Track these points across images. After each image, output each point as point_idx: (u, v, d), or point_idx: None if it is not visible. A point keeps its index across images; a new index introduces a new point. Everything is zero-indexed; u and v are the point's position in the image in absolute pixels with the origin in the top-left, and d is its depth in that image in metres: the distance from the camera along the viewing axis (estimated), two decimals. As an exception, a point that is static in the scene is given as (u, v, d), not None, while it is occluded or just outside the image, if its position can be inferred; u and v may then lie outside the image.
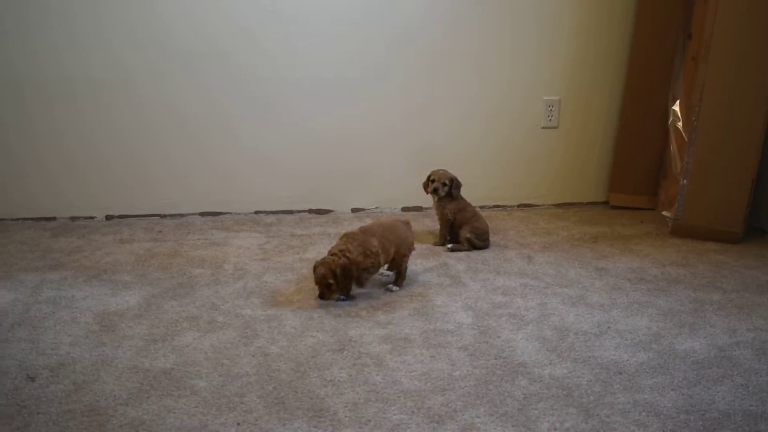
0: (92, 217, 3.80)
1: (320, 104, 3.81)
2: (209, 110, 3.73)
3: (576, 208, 4.16)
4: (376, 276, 2.90)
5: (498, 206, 4.13)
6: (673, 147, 3.81)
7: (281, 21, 3.65)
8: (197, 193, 3.85)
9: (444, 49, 3.84)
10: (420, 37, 3.80)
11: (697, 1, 3.65)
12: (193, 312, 2.65)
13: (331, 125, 3.85)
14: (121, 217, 3.82)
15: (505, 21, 3.84)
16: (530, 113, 4.02)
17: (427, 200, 3.61)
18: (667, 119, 3.87)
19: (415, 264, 3.15)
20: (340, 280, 2.63)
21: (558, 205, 4.20)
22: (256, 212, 3.92)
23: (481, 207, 3.74)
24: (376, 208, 4.04)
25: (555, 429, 1.94)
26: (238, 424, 1.94)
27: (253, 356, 2.32)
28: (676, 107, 3.79)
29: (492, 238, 3.46)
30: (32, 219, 3.74)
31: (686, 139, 3.61)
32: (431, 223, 3.70)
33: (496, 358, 2.33)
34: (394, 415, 1.99)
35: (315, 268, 2.67)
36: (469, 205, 3.44)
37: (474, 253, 3.34)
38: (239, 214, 3.91)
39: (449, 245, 3.40)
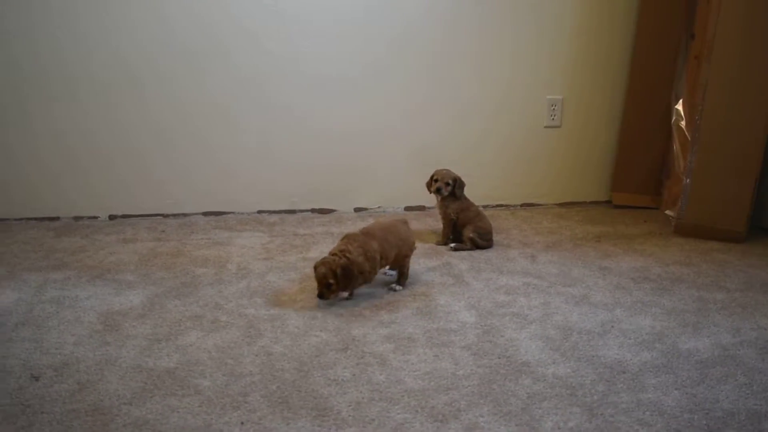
0: (95, 217, 3.81)
1: (323, 103, 3.81)
2: (212, 110, 3.73)
3: (579, 208, 4.15)
4: (379, 276, 2.90)
5: (501, 205, 4.13)
6: (676, 146, 3.81)
7: (284, 21, 3.65)
8: (200, 192, 3.85)
9: (446, 48, 3.84)
10: (422, 37, 3.80)
11: (699, 1, 3.65)
12: (196, 311, 2.65)
13: (334, 124, 3.85)
14: (124, 216, 3.82)
15: (507, 20, 3.84)
16: (533, 112, 4.02)
17: (430, 200, 3.61)
18: (670, 118, 3.87)
19: (418, 263, 3.15)
20: (341, 279, 2.63)
21: (561, 205, 4.19)
22: (259, 212, 3.93)
23: (484, 206, 3.74)
24: (379, 207, 4.04)
25: (559, 428, 1.94)
26: (242, 423, 1.95)
27: (257, 355, 2.32)
28: (679, 106, 3.79)
29: (495, 238, 3.46)
30: (36, 219, 3.75)
31: (689, 139, 3.61)
32: (434, 223, 3.70)
33: (499, 358, 2.33)
34: (398, 414, 1.99)
35: (316, 267, 2.67)
36: (472, 204, 3.44)
37: (477, 253, 3.34)
38: (242, 213, 3.91)
39: (452, 244, 3.40)
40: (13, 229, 3.61)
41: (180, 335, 2.46)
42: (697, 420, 1.99)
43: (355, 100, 3.84)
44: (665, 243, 3.52)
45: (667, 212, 3.85)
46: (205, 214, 3.88)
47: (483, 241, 3.38)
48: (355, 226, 3.60)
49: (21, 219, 3.73)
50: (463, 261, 3.23)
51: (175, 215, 3.86)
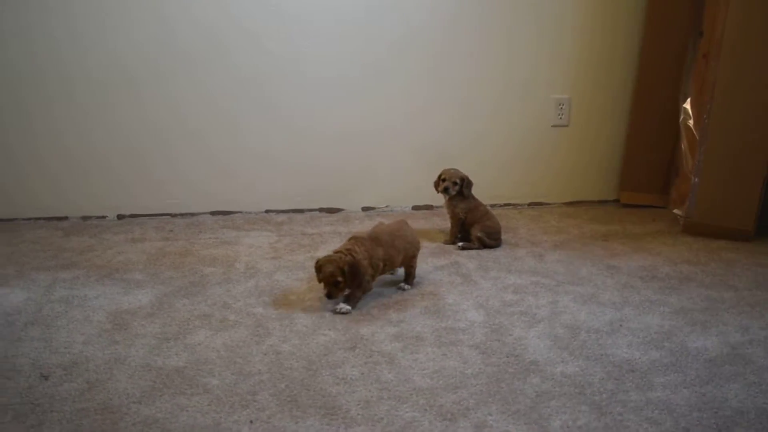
0: (104, 217, 3.82)
1: (330, 103, 3.82)
2: (218, 110, 3.74)
3: (587, 207, 4.15)
4: (387, 276, 2.90)
5: (508, 205, 4.13)
6: (684, 145, 3.80)
7: (286, 21, 3.67)
8: (208, 192, 3.86)
9: (451, 47, 3.84)
10: (427, 37, 3.80)
11: (707, -1, 3.65)
12: (205, 310, 2.66)
13: (342, 123, 3.85)
14: (132, 216, 3.84)
15: (514, 19, 3.84)
16: (540, 111, 4.02)
17: (438, 199, 3.61)
18: (678, 117, 3.86)
19: (426, 263, 3.15)
20: (348, 277, 2.61)
21: (568, 204, 4.19)
22: (267, 211, 3.93)
23: (492, 205, 3.73)
24: (387, 206, 4.04)
25: (567, 427, 1.94)
26: (251, 421, 1.95)
27: (265, 354, 2.32)
28: (687, 105, 3.78)
29: (503, 237, 3.46)
30: (44, 219, 3.76)
31: (697, 137, 3.60)
32: (441, 222, 3.70)
33: (507, 356, 2.32)
34: (407, 412, 1.99)
35: (321, 266, 2.64)
36: (480, 204, 3.44)
37: (485, 252, 3.34)
38: (250, 213, 3.92)
39: (460, 244, 3.40)
40: (21, 229, 3.63)
41: (188, 334, 2.46)
42: (706, 419, 1.98)
43: (363, 99, 3.84)
44: (673, 242, 3.51)
45: (675, 211, 3.84)
46: (213, 213, 3.89)
47: (491, 241, 3.38)
48: (363, 225, 3.62)
49: (29, 219, 3.75)
50: (471, 260, 3.22)
51: (182, 215, 3.87)
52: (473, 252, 3.33)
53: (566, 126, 4.05)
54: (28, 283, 2.91)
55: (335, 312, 2.64)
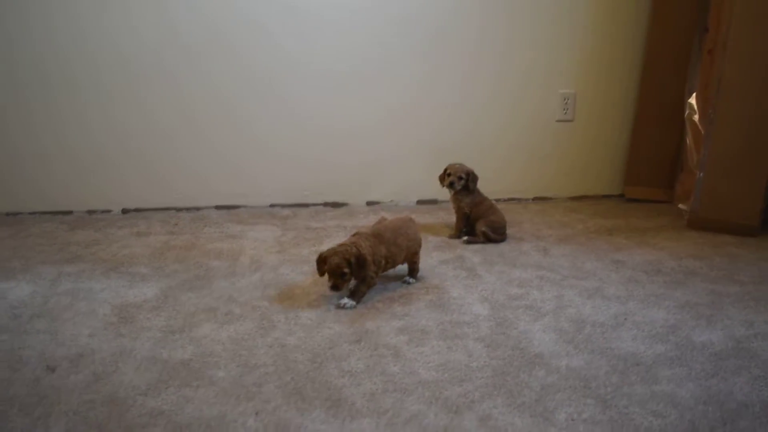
0: (109, 211, 3.83)
1: (334, 98, 3.82)
2: (223, 104, 3.75)
3: (591, 201, 4.15)
4: (390, 271, 2.90)
5: (513, 199, 4.13)
6: (689, 140, 3.79)
7: (294, 14, 3.66)
8: (213, 186, 3.87)
9: (458, 43, 3.84)
10: (435, 32, 3.80)
11: (713, -6, 3.64)
12: (210, 304, 2.66)
13: (345, 118, 3.86)
14: (137, 210, 3.85)
15: (520, 15, 3.84)
16: (546, 106, 4.02)
17: (443, 193, 3.61)
18: (683, 112, 3.85)
19: (430, 257, 3.15)
20: (355, 269, 2.60)
21: (573, 198, 4.19)
22: (272, 205, 3.94)
23: (497, 200, 3.73)
24: (391, 201, 4.04)
25: (573, 419, 1.94)
26: (257, 413, 1.95)
27: (271, 347, 2.33)
28: (692, 100, 3.77)
29: (507, 231, 3.46)
30: (49, 213, 3.77)
31: (702, 132, 3.60)
32: (446, 216, 3.71)
33: (513, 350, 2.32)
34: (412, 405, 1.99)
35: (325, 258, 2.62)
36: (485, 198, 3.44)
37: (490, 246, 3.34)
38: (255, 207, 3.93)
39: (465, 238, 3.40)
40: (27, 222, 3.64)
41: (194, 327, 2.47)
42: (712, 412, 1.98)
43: (367, 94, 3.85)
44: (678, 236, 3.51)
45: (680, 206, 3.84)
46: (218, 207, 3.90)
47: (496, 235, 3.38)
48: (368, 219, 3.62)
49: (35, 213, 3.76)
50: (475, 254, 3.23)
51: (187, 209, 3.88)
52: (478, 246, 3.33)
53: (571, 121, 4.05)
54: (34, 277, 2.92)
55: (339, 307, 2.64)
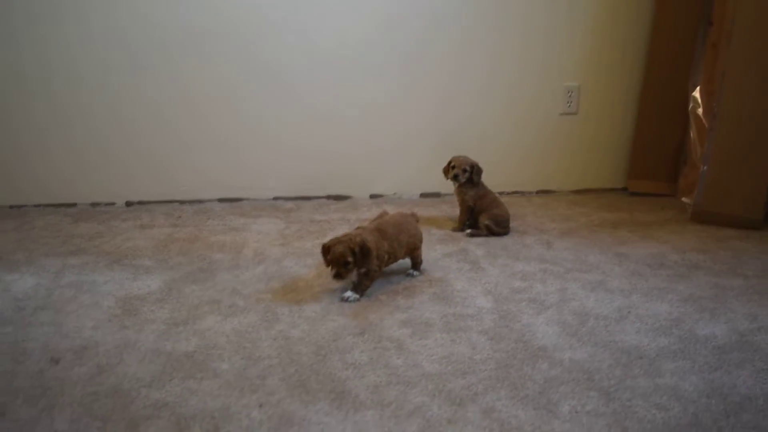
0: (112, 203, 3.83)
1: (339, 90, 3.81)
2: (227, 96, 3.74)
3: (595, 195, 4.15)
4: (393, 265, 2.90)
5: (516, 192, 4.13)
6: (693, 133, 3.79)
7: (299, 4, 3.65)
8: (216, 179, 3.86)
9: (464, 35, 3.83)
10: (441, 24, 3.79)
11: (717, -13, 3.63)
12: (214, 296, 2.67)
13: (349, 111, 3.85)
14: (140, 203, 3.85)
15: (524, 7, 3.82)
16: (549, 99, 4.01)
17: (447, 186, 3.61)
18: (687, 106, 3.84)
19: (434, 249, 3.16)
20: (359, 258, 2.58)
21: (577, 192, 4.19)
22: (275, 198, 3.94)
23: (500, 193, 3.72)
24: (395, 194, 4.04)
25: (576, 412, 1.94)
26: (261, 405, 1.96)
27: (275, 339, 2.33)
28: (696, 94, 3.76)
29: (511, 224, 3.45)
30: (53, 205, 3.78)
31: (706, 126, 3.59)
32: (450, 209, 3.71)
33: (516, 342, 2.33)
34: (416, 397, 2.00)
35: (330, 247, 2.60)
36: (489, 191, 3.44)
37: (493, 239, 3.34)
38: (258, 200, 3.93)
39: (468, 230, 3.40)
40: (30, 215, 3.64)
41: (198, 319, 2.47)
42: (715, 404, 1.99)
43: (372, 87, 3.84)
44: (682, 230, 3.51)
45: (684, 199, 3.84)
46: (221, 200, 3.90)
47: (499, 229, 3.37)
48: (371, 212, 3.62)
49: (38, 205, 3.77)
50: (479, 247, 3.23)
51: (191, 201, 3.88)
52: (481, 239, 3.33)
53: (575, 114, 4.05)
54: (38, 269, 2.93)
55: (343, 300, 2.64)
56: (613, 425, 1.89)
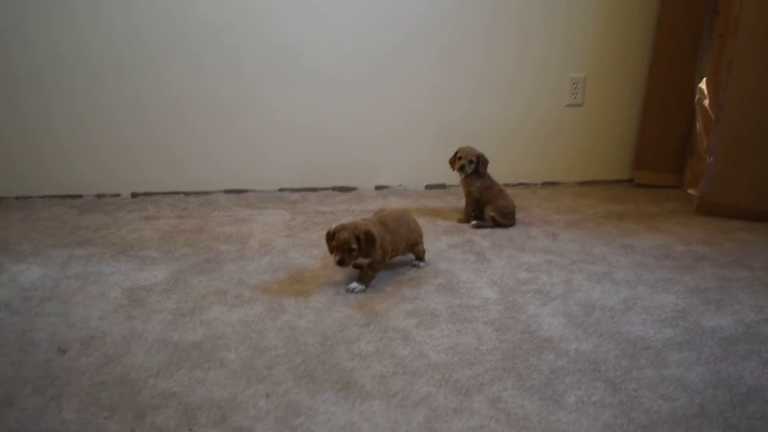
0: (118, 195, 3.84)
1: (344, 83, 3.81)
2: (234, 87, 3.74)
3: (600, 186, 4.14)
4: (398, 258, 2.90)
5: (522, 184, 4.13)
6: (699, 125, 3.78)
7: (306, -2, 3.66)
8: (221, 170, 3.87)
9: (468, 26, 3.82)
10: (446, 15, 3.78)
11: (724, -22, 3.62)
12: (220, 287, 2.67)
13: (355, 103, 3.85)
14: (146, 194, 3.85)
15: (530, -2, 3.83)
16: (555, 91, 4.00)
17: (452, 177, 3.62)
18: (693, 97, 3.84)
19: (439, 240, 3.16)
20: (363, 245, 2.56)
21: (582, 183, 4.18)
22: (281, 189, 3.94)
23: (505, 184, 3.71)
24: (400, 185, 4.04)
25: (582, 402, 1.95)
26: (267, 395, 1.96)
27: (281, 330, 2.33)
28: (703, 85, 3.76)
29: (516, 216, 3.45)
30: (59, 196, 3.78)
31: (712, 117, 3.59)
32: (455, 200, 3.71)
33: (522, 333, 2.33)
34: (422, 387, 2.00)
35: (334, 233, 2.57)
36: (495, 183, 3.43)
37: (499, 231, 3.34)
38: (263, 191, 3.93)
39: (474, 222, 3.40)
40: (36, 206, 3.65)
41: (205, 310, 2.48)
42: (721, 395, 1.99)
43: (378, 78, 3.84)
44: (687, 221, 3.50)
45: (690, 191, 3.84)
46: (227, 191, 3.90)
47: (505, 220, 3.37)
48: (376, 203, 3.63)
49: (44, 197, 3.77)
50: (484, 238, 3.23)
51: (196, 193, 3.88)
52: (487, 230, 3.33)
53: (580, 105, 4.04)
54: (44, 260, 2.93)
55: (348, 291, 2.64)
56: (619, 416, 1.89)
